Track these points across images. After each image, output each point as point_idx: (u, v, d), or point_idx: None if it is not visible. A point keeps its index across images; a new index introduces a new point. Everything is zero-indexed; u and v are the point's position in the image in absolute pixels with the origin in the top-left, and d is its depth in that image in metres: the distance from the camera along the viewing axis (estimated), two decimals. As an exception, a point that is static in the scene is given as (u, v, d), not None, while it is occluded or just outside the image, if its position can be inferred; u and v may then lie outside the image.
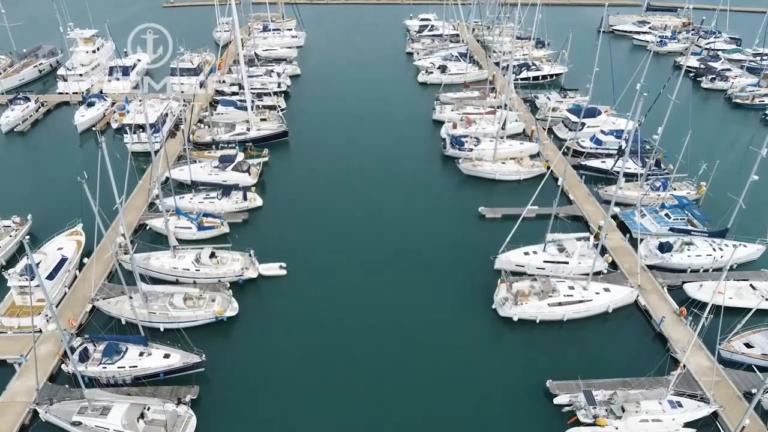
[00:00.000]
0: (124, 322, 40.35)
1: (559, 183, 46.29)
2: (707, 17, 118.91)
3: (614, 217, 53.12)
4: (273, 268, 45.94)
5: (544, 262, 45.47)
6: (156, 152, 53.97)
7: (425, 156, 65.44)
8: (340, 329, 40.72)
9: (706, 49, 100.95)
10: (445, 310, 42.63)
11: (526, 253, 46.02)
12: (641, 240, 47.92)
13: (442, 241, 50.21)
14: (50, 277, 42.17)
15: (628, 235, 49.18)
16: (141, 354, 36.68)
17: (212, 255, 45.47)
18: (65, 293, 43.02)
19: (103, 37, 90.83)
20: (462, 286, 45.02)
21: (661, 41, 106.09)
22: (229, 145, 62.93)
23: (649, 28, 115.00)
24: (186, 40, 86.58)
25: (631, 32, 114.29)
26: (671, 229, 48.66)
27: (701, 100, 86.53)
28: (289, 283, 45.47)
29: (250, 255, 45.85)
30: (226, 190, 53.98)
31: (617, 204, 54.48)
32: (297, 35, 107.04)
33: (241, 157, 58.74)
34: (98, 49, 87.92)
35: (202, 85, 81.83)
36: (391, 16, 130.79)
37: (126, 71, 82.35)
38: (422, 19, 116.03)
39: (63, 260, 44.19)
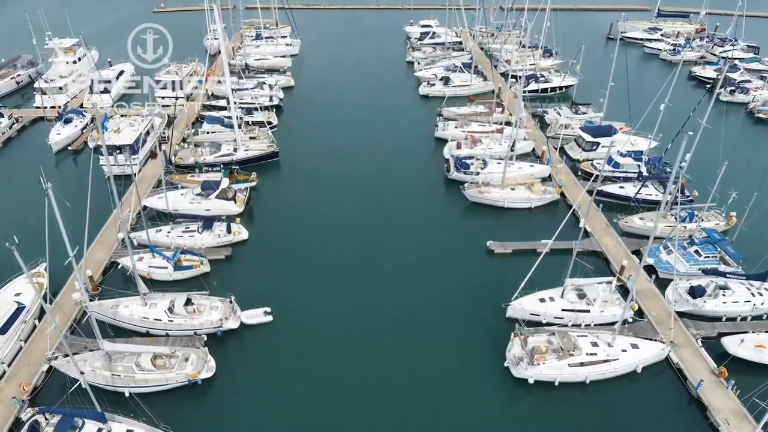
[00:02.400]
0: (84, 386, 35.20)
1: (581, 225, 41.06)
2: (721, 23, 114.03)
3: (636, 252, 48.23)
4: (257, 315, 40.83)
5: (563, 310, 40.35)
6: (116, 178, 48.72)
7: (427, 179, 60.21)
8: (332, 387, 35.66)
9: (723, 58, 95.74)
10: (451, 367, 37.47)
11: (542, 300, 40.91)
12: (680, 280, 42.90)
13: (447, 281, 45.13)
14: (2, 331, 37.16)
15: (654, 276, 44.04)
16: (99, 430, 31.58)
17: (188, 302, 40.35)
18: (21, 348, 37.99)
19: (85, 46, 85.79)
20: (469, 336, 39.90)
21: (675, 50, 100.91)
22: (214, 169, 57.77)
23: (661, 35, 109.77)
24: (174, 48, 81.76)
25: (642, 39, 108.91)
26: (703, 270, 43.53)
27: (720, 114, 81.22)
28: (274, 332, 40.33)
29: (230, 301, 40.75)
30: (207, 222, 48.81)
31: (639, 237, 49.82)
32: (291, 43, 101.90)
33: (225, 183, 53.51)
34: (79, 59, 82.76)
35: (188, 98, 76.73)
36: (391, 22, 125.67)
37: (108, 84, 77.06)
38: (423, 26, 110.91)
39: (19, 309, 39.09)
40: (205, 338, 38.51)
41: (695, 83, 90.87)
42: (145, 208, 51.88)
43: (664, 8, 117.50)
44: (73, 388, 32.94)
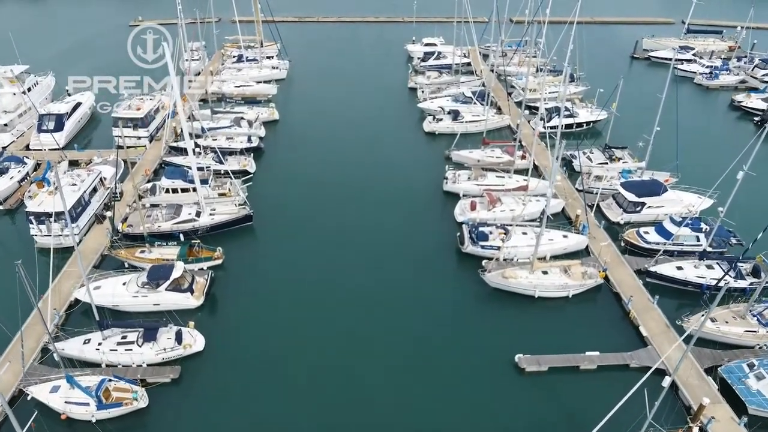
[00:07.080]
0: None
1: (658, 371, 29.42)
2: (759, 40, 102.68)
3: (712, 370, 36.89)
4: (206, 485, 29.59)
5: (630, 484, 29.08)
6: (53, 251, 37.33)
7: (435, 254, 48.28)
8: None
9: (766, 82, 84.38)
10: None
11: (600, 465, 29.57)
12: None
13: (464, 416, 33.72)
14: None
15: (744, 419, 32.68)
16: None
17: (108, 471, 29.11)
18: None
19: (37, 73, 74.75)
20: None
21: (712, 73, 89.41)
22: (169, 243, 46.41)
23: (693, 54, 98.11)
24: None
25: (671, 60, 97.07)
26: (817, 417, 32.20)
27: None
28: None
29: (168, 467, 29.54)
30: (149, 331, 37.33)
31: (713, 344, 38.55)
32: (278, 65, 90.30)
33: (180, 269, 41.95)
34: (29, 89, 71.42)
35: (152, 140, 65.52)
36: (392, 37, 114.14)
37: (60, 121, 65.60)
38: (427, 44, 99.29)
39: None
40: None
41: (740, 114, 79.45)
42: (77, 302, 41.02)
43: (693, 23, 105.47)
44: None
